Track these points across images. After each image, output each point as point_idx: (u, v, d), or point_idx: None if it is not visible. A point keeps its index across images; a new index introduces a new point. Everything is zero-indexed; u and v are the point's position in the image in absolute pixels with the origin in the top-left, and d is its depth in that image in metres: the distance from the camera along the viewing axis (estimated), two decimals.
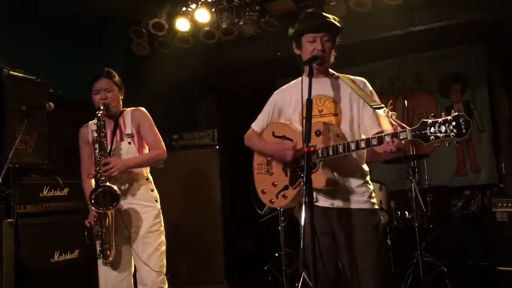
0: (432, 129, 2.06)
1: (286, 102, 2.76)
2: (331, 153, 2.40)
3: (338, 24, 2.63)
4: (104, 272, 3.10)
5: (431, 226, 5.16)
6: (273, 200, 2.73)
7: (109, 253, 3.03)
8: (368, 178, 2.66)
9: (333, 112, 2.60)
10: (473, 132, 6.06)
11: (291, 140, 2.66)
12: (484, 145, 6.04)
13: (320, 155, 2.42)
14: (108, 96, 3.12)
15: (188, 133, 5.50)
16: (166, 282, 3.17)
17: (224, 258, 5.25)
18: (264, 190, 2.79)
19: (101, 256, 3.04)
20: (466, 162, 6.09)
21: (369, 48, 5.30)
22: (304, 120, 2.31)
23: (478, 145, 6.06)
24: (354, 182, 2.58)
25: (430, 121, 2.08)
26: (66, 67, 4.68)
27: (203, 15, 5.08)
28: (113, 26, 5.39)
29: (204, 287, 5.16)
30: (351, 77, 2.70)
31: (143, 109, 3.27)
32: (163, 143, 3.25)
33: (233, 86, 6.35)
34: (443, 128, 2.03)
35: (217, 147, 5.41)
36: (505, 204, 4.42)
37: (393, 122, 2.34)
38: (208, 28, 5.15)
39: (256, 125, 2.88)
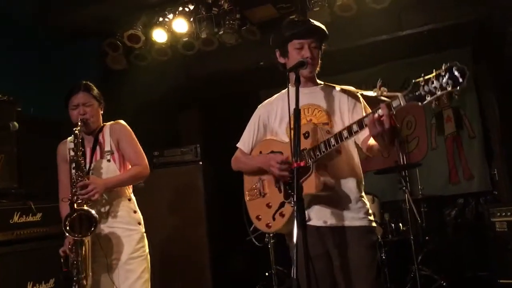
0: (426, 88, 1.89)
1: (271, 115, 2.60)
2: (323, 149, 2.22)
3: (325, 30, 2.50)
4: None
5: (426, 238, 4.99)
6: (270, 224, 2.49)
7: (85, 283, 2.78)
8: (363, 192, 2.47)
9: (324, 121, 2.44)
10: (464, 138, 6.01)
11: (279, 153, 2.46)
12: (475, 152, 5.94)
13: (312, 156, 2.24)
14: (86, 111, 2.93)
15: (169, 150, 5.28)
16: None
17: (212, 279, 5.03)
18: (259, 216, 2.57)
19: (77, 286, 2.79)
20: (458, 169, 5.97)
21: (354, 55, 5.15)
22: (292, 131, 2.11)
23: (470, 151, 5.96)
24: (349, 197, 2.38)
25: (421, 79, 1.91)
26: (37, 85, 4.46)
27: (181, 25, 4.86)
28: (86, 40, 5.15)
29: None
30: (339, 86, 2.57)
31: (122, 122, 3.08)
32: (145, 158, 3.05)
33: (215, 98, 6.17)
34: (437, 83, 1.86)
35: (201, 163, 5.20)
36: (504, 214, 4.28)
37: (391, 95, 2.12)
38: (187, 39, 4.94)
39: (243, 145, 2.69)
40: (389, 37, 4.69)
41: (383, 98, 2.13)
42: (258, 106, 2.70)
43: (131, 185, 3.08)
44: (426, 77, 1.89)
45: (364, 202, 2.43)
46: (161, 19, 4.93)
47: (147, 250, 3.01)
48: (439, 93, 1.86)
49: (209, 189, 5.18)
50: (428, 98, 1.89)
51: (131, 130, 3.06)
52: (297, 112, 2.15)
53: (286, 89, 2.56)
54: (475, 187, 5.87)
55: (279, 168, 2.34)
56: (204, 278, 5.00)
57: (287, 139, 2.46)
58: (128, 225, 2.94)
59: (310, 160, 2.24)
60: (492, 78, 5.78)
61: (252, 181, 2.62)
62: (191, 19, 4.89)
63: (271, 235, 4.84)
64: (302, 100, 2.31)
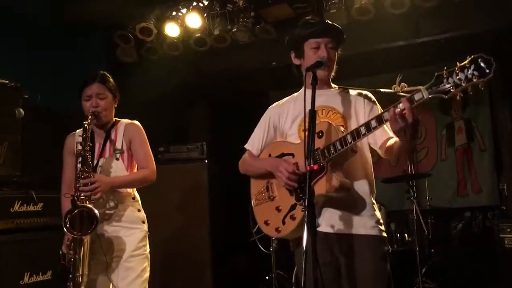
0: (450, 80, 1.81)
1: (282, 116, 2.52)
2: (339, 147, 2.11)
3: (341, 31, 2.43)
4: None
5: (432, 250, 4.90)
6: (279, 228, 2.38)
7: (80, 281, 2.69)
8: (374, 202, 2.38)
9: (338, 123, 2.35)
10: (475, 151, 5.93)
11: (291, 154, 2.37)
12: (485, 165, 5.86)
13: (327, 155, 2.14)
14: (99, 103, 2.84)
15: (175, 146, 5.21)
16: None
17: (212, 280, 4.96)
18: (268, 221, 2.45)
19: (71, 285, 2.70)
20: (467, 182, 5.89)
21: (369, 60, 5.06)
22: (305, 133, 2.02)
23: (480, 164, 5.88)
24: (362, 202, 2.30)
25: (444, 72, 1.83)
26: (46, 74, 4.41)
27: (194, 20, 4.79)
28: (98, 32, 5.11)
29: None
30: (354, 89, 2.49)
31: (138, 123, 3.01)
32: (154, 163, 2.98)
33: (224, 96, 6.08)
34: (462, 75, 1.78)
35: (206, 161, 5.12)
36: None
37: (412, 89, 2.01)
38: (199, 34, 4.87)
39: (252, 146, 2.59)
40: (405, 43, 4.60)
41: (402, 94, 2.02)
42: (268, 108, 2.62)
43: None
44: (450, 69, 1.82)
45: (375, 210, 2.35)
46: (174, 13, 4.86)
47: (148, 249, 2.94)
48: (464, 84, 1.78)
49: (214, 188, 5.11)
50: (453, 90, 1.81)
51: (144, 132, 3.00)
52: (312, 112, 2.06)
53: (298, 92, 2.53)
54: (483, 201, 5.79)
55: (288, 178, 2.24)
56: (204, 278, 4.93)
57: (298, 140, 2.38)
58: (131, 224, 2.87)
59: (325, 159, 2.14)
60: (507, 91, 5.68)
61: (260, 185, 2.52)
62: (205, 14, 4.82)
63: (273, 238, 4.78)
64: (317, 101, 2.21)
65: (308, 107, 2.07)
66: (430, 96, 1.87)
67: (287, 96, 2.61)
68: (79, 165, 2.75)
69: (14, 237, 3.52)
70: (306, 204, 1.89)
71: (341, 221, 2.26)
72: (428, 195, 5.26)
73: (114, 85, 2.95)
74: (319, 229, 2.24)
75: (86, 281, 2.71)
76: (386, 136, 2.30)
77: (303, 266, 1.82)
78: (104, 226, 2.82)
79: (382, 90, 2.21)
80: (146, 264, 2.89)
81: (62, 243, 2.87)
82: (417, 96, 1.91)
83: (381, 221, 2.35)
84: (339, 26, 2.43)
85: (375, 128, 2.04)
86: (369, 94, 2.47)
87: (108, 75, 2.95)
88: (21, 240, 3.57)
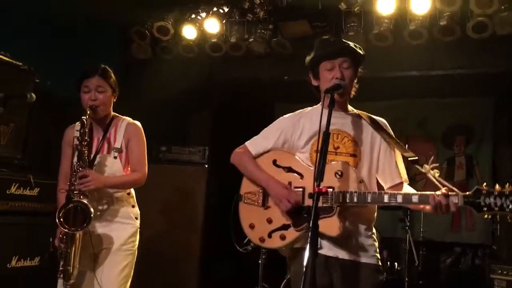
0: (487, 200, 1.93)
1: (295, 132, 2.45)
2: (355, 200, 2.11)
3: (359, 51, 2.38)
4: None
5: (420, 282, 4.89)
6: (263, 239, 2.36)
7: (70, 274, 2.69)
8: (373, 231, 2.38)
9: (352, 152, 2.33)
10: (472, 188, 5.87)
11: (300, 174, 2.34)
12: None
13: (340, 200, 2.12)
14: (98, 97, 2.81)
15: (177, 147, 5.18)
16: None
17: (198, 285, 4.93)
18: (253, 225, 2.41)
19: (62, 276, 2.70)
20: (461, 218, 5.90)
21: (379, 85, 5.07)
22: (317, 155, 2.02)
23: None
24: (363, 233, 2.30)
25: (485, 190, 1.95)
26: (59, 61, 4.39)
27: (212, 25, 4.81)
28: (116, 26, 5.11)
29: None
30: (372, 116, 2.45)
31: (139, 124, 2.98)
32: (146, 167, 2.95)
33: (231, 104, 6.08)
34: (498, 201, 1.91)
35: (207, 166, 5.10)
36: (505, 272, 4.19)
37: (442, 182, 2.06)
38: (215, 40, 4.88)
39: (252, 146, 2.51)
40: (419, 74, 4.63)
41: (432, 178, 2.09)
42: (281, 118, 2.54)
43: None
44: (489, 188, 1.94)
45: (375, 240, 2.35)
46: (193, 16, 4.87)
47: (136, 245, 2.93)
48: (496, 211, 1.91)
49: (211, 194, 5.09)
50: (485, 211, 1.93)
51: (144, 135, 2.98)
52: (326, 135, 2.06)
53: (312, 108, 2.49)
54: (475, 239, 5.81)
55: (288, 211, 2.26)
56: (189, 284, 4.90)
57: (308, 160, 2.35)
58: (124, 219, 2.87)
59: (336, 202, 2.13)
60: (511, 133, 5.72)
61: (255, 186, 2.46)
62: (224, 21, 4.84)
63: (264, 251, 4.76)
64: (333, 124, 2.22)
65: (323, 128, 2.07)
66: (464, 205, 1.98)
67: (292, 110, 2.56)
68: (75, 160, 2.74)
69: (6, 219, 3.49)
70: (311, 225, 1.89)
71: (343, 246, 2.25)
72: (422, 227, 5.25)
73: (115, 81, 2.92)
74: (320, 251, 2.23)
75: (76, 274, 2.71)
76: (398, 181, 2.32)
77: (301, 286, 1.82)
78: (97, 221, 2.81)
79: (417, 166, 2.19)
80: (131, 260, 2.87)
81: (54, 231, 2.87)
82: (453, 199, 1.99)
83: (378, 250, 2.35)
84: (356, 46, 2.38)
85: (400, 203, 2.08)
86: (384, 121, 2.44)
87: (109, 69, 2.91)
88: (13, 223, 3.55)
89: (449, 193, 1.99)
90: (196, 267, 4.94)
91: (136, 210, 2.96)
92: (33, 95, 3.06)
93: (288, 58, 4.83)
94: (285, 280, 4.45)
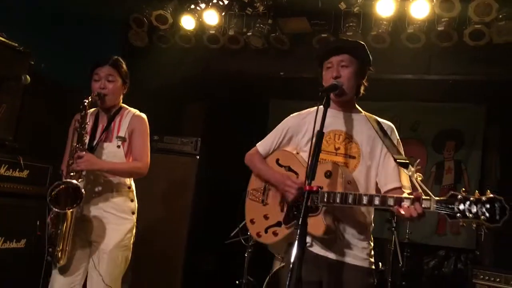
0: (461, 206, 1.79)
1: (300, 130, 2.47)
2: (338, 201, 2.10)
3: (361, 47, 2.37)
4: (52, 275, 2.79)
5: (403, 283, 4.94)
6: (260, 234, 2.42)
7: (60, 257, 2.69)
8: (371, 233, 2.38)
9: (351, 153, 2.33)
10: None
11: (296, 173, 2.37)
12: None
13: (325, 200, 2.12)
14: (108, 86, 2.85)
15: (169, 137, 5.17)
16: None
17: (182, 276, 4.94)
18: (254, 220, 2.49)
19: (51, 259, 2.70)
20: (447, 221, 5.91)
21: (373, 86, 5.08)
22: (309, 155, 2.05)
23: None
24: (355, 235, 2.29)
25: (460, 196, 1.82)
26: (56, 45, 4.35)
27: (211, 17, 4.79)
28: (114, 12, 5.05)
29: None
30: (379, 119, 2.42)
31: (144, 116, 3.01)
32: (148, 157, 2.95)
33: (225, 97, 6.06)
34: (473, 208, 1.77)
35: (198, 157, 5.09)
36: (487, 278, 4.24)
37: (417, 186, 2.02)
38: (213, 32, 4.86)
39: (262, 146, 2.59)
40: (414, 77, 4.64)
41: (414, 181, 2.04)
42: (289, 116, 2.56)
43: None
44: (466, 196, 1.81)
45: (369, 244, 2.34)
46: (192, 6, 4.84)
47: (133, 240, 2.95)
48: (470, 219, 1.78)
49: (201, 186, 5.08)
50: (458, 217, 1.80)
51: (148, 127, 3.00)
52: (319, 135, 2.07)
53: (322, 107, 2.50)
54: (460, 243, 5.84)
55: (294, 194, 2.24)
56: (174, 274, 4.91)
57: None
58: (121, 213, 2.87)
59: (321, 202, 2.13)
60: (500, 139, 5.77)
61: (259, 183, 2.54)
62: (223, 13, 4.81)
63: (250, 244, 4.78)
64: (334, 124, 2.25)
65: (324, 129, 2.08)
66: (436, 211, 1.88)
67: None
68: (74, 142, 2.75)
69: None
70: (300, 222, 1.91)
71: (333, 247, 2.27)
72: (408, 228, 5.29)
73: (126, 72, 2.95)
74: (311, 249, 2.27)
75: (67, 258, 2.70)
76: (395, 185, 2.27)
77: (287, 283, 1.83)
78: (96, 210, 2.82)
79: (398, 161, 2.17)
80: (127, 254, 2.91)
81: (42, 214, 2.91)
82: (425, 204, 1.91)
83: (372, 253, 2.34)
84: (357, 42, 2.38)
85: (376, 205, 2.04)
86: (391, 126, 2.40)
87: (122, 61, 2.95)
88: (1, 204, 3.54)
89: (423, 197, 1.92)
90: (183, 256, 4.94)
91: (134, 204, 2.97)
92: (28, 77, 3.07)
93: (285, 54, 4.82)
94: (270, 274, 4.48)
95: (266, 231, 2.40)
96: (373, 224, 2.40)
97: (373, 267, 2.33)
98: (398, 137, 2.39)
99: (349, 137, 2.35)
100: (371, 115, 2.43)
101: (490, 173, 5.91)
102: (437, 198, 1.89)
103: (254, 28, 4.68)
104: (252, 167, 2.59)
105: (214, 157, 5.32)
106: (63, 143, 3.07)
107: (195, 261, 5.18)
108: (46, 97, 4.04)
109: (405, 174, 2.22)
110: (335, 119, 2.34)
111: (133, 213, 2.93)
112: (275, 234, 2.36)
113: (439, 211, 1.86)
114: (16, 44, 3.61)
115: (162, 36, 5.10)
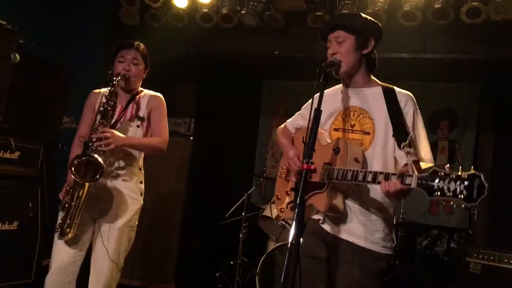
0: (441, 183, 1.73)
1: (324, 109, 2.38)
2: (339, 177, 2.08)
3: (355, 19, 2.35)
4: (56, 246, 2.82)
5: (397, 262, 4.96)
6: (282, 210, 2.45)
7: (68, 230, 2.74)
8: (389, 217, 2.26)
9: (366, 129, 2.27)
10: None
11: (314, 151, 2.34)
12: None
13: (326, 177, 2.12)
14: (132, 68, 2.95)
15: None
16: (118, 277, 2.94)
17: (176, 257, 4.96)
18: (279, 196, 2.55)
19: (59, 230, 2.75)
20: (440, 201, 5.93)
21: None
22: (309, 132, 2.02)
23: None
24: (367, 216, 2.23)
25: (442, 172, 1.75)
26: (45, 23, 4.28)
27: None
28: None
29: (149, 286, 4.80)
30: (396, 89, 2.32)
31: (161, 96, 3.11)
32: (167, 134, 3.03)
33: (219, 77, 5.98)
34: (452, 185, 1.70)
35: (191, 138, 5.05)
36: (481, 256, 4.26)
37: (407, 162, 1.98)
38: (206, 10, 4.76)
39: (290, 123, 2.63)
40: (410, 56, 4.59)
41: (407, 155, 1.96)
42: (315, 95, 2.49)
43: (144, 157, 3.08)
44: (447, 171, 1.74)
45: (385, 227, 2.23)
46: None
47: (137, 222, 3.01)
48: (448, 197, 1.71)
49: (194, 167, 5.08)
50: (436, 196, 1.75)
51: (165, 106, 3.09)
52: (317, 112, 2.06)
53: (337, 86, 2.45)
54: (453, 222, 5.87)
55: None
56: (168, 256, 4.92)
57: (328, 139, 2.34)
58: (132, 193, 2.93)
59: (327, 179, 2.11)
60: (494, 119, 5.77)
61: (285, 161, 2.57)
62: None
63: (244, 224, 4.79)
64: (351, 101, 2.23)
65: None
66: (417, 187, 1.82)
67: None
68: (98, 117, 2.79)
69: None
70: (297, 201, 1.89)
71: (344, 227, 2.23)
72: (402, 208, 5.31)
73: (148, 57, 3.05)
74: (323, 226, 2.29)
75: (74, 231, 2.74)
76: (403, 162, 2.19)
77: (286, 261, 1.82)
78: (108, 188, 2.85)
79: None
80: (132, 235, 2.97)
81: (34, 196, 2.91)
82: (407, 180, 1.86)
83: (388, 238, 2.24)
84: (350, 13, 2.36)
85: (368, 182, 1.99)
86: (409, 96, 2.31)
87: (144, 47, 3.06)
88: None
89: (406, 173, 1.88)
90: (177, 239, 4.96)
91: (143, 186, 3.03)
92: (17, 55, 3.01)
93: (280, 33, 4.75)
94: (264, 254, 4.49)
95: (287, 206, 2.40)
96: (393, 210, 2.29)
97: (385, 252, 2.21)
98: (415, 107, 2.29)
99: (363, 113, 2.29)
100: (389, 86, 2.34)
101: (483, 154, 5.93)
102: (419, 174, 1.84)
103: (248, 6, 4.59)
104: (278, 142, 2.64)
105: (208, 137, 5.29)
106: (55, 124, 3.04)
107: (189, 242, 5.18)
108: (35, 75, 3.96)
109: (425, 145, 2.22)
110: (354, 96, 2.30)
111: (141, 194, 3.00)
112: (292, 209, 2.33)
113: (419, 188, 1.80)
114: (5, 22, 3.55)
115: (154, 14, 4.99)
